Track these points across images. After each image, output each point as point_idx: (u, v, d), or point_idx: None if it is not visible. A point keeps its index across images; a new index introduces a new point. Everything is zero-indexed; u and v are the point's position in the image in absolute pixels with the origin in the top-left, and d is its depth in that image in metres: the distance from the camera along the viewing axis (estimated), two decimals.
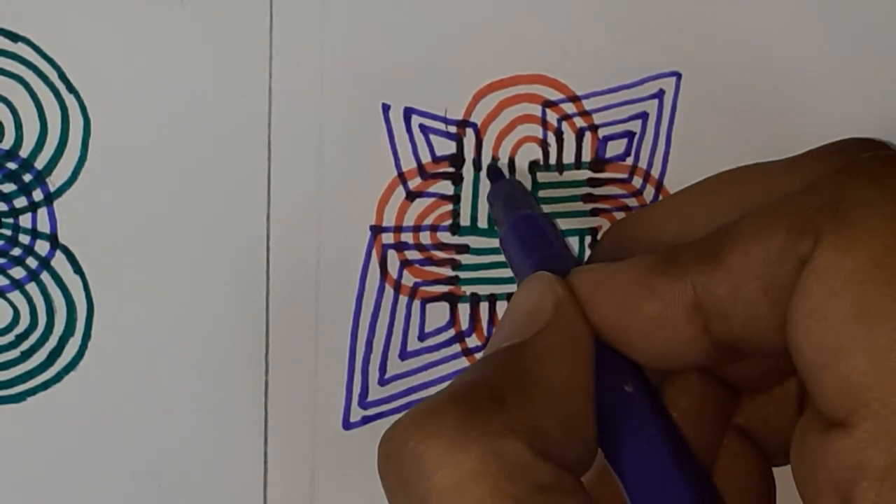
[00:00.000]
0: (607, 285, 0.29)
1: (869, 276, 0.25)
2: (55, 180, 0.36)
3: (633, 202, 0.38)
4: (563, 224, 0.38)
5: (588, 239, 0.38)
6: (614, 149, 0.38)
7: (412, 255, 0.38)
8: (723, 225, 0.28)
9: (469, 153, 0.37)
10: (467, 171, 0.37)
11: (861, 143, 0.31)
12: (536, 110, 0.37)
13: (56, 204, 0.36)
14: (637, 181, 0.38)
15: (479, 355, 0.39)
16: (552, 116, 0.37)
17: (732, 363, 0.30)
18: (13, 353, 0.37)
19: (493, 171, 0.37)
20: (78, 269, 0.37)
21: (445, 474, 0.25)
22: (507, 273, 0.38)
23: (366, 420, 0.38)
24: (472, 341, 0.39)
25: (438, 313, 0.38)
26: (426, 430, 0.26)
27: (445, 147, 0.37)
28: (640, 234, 0.32)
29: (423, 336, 0.38)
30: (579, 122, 0.38)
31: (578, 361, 0.28)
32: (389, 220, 0.37)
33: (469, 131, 0.37)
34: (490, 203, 0.37)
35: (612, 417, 0.29)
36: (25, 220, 0.36)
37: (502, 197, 0.36)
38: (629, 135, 0.38)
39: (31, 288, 0.37)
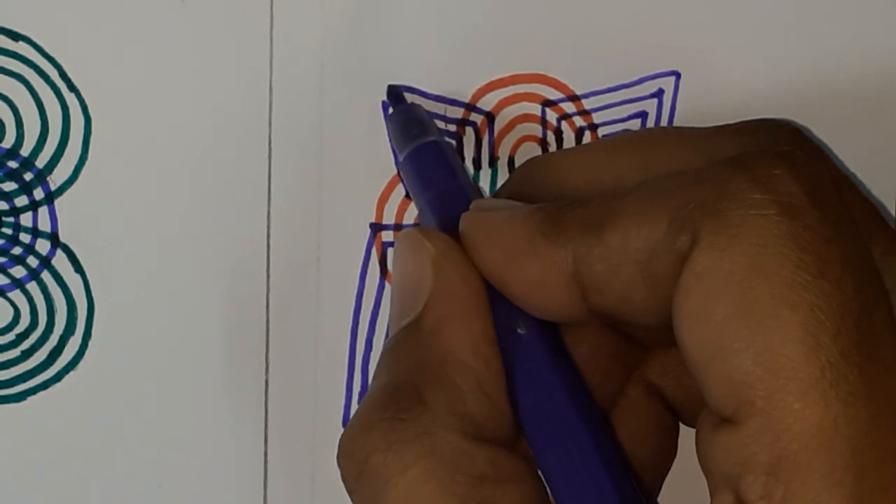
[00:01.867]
0: (494, 236, 0.29)
1: (747, 276, 0.25)
2: (56, 179, 0.36)
3: None
4: None
5: None
6: None
7: None
8: (613, 193, 0.28)
9: (469, 152, 0.37)
10: (467, 169, 0.38)
11: (775, 127, 0.31)
12: (536, 109, 0.37)
13: (57, 203, 0.37)
14: None
15: None
16: (552, 115, 0.38)
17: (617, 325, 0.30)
18: (14, 353, 0.37)
19: (392, 95, 0.36)
20: (78, 269, 0.37)
21: (396, 486, 0.27)
22: None
23: None
24: None
25: None
26: (364, 450, 0.28)
27: None
28: (547, 176, 0.32)
29: None
30: (579, 121, 0.38)
31: (475, 316, 0.29)
32: (389, 218, 0.37)
33: (469, 130, 0.37)
34: (388, 131, 0.36)
35: (510, 362, 0.29)
36: (26, 219, 0.36)
37: (400, 123, 0.35)
38: None
39: (32, 287, 0.37)
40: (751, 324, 0.25)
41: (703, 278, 0.25)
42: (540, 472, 0.29)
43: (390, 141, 0.36)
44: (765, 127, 0.31)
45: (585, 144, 0.35)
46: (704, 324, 0.25)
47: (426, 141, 0.34)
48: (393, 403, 0.28)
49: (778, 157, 0.26)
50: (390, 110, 0.36)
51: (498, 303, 0.29)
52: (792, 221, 0.25)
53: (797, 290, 0.24)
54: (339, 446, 0.28)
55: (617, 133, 0.37)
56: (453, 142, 0.37)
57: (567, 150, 0.36)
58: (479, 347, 0.28)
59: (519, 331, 0.29)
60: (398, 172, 0.35)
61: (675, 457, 0.32)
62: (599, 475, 0.28)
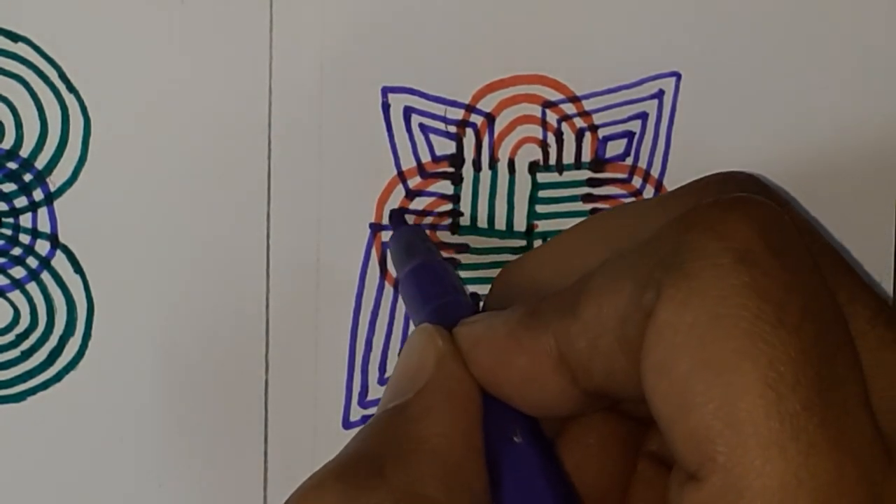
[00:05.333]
0: (483, 340, 0.29)
1: (707, 328, 0.25)
2: (55, 180, 0.36)
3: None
4: (563, 224, 0.38)
5: None
6: (614, 149, 0.38)
7: None
8: (583, 275, 0.28)
9: (469, 153, 0.37)
10: (467, 171, 0.38)
11: (726, 178, 0.31)
12: (536, 111, 0.37)
13: (56, 204, 0.36)
14: (637, 181, 0.38)
15: None
16: (552, 117, 0.37)
17: (616, 405, 0.30)
18: (13, 353, 0.37)
19: (394, 218, 0.37)
20: (78, 269, 0.37)
21: None
22: None
23: (366, 419, 0.38)
24: None
25: None
26: None
27: (445, 147, 0.37)
28: (523, 280, 0.33)
29: None
30: (579, 122, 0.38)
31: (463, 416, 0.29)
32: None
33: (469, 131, 0.37)
34: (390, 251, 0.37)
35: (501, 470, 0.29)
36: (26, 220, 0.36)
37: (401, 245, 0.36)
38: (629, 135, 0.38)
39: (32, 287, 0.37)
40: (711, 377, 0.24)
41: (664, 332, 0.25)
42: None
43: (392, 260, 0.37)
44: (718, 179, 0.31)
45: (550, 241, 0.36)
46: (666, 377, 0.25)
47: (428, 260, 0.35)
48: (352, 470, 0.28)
49: (730, 204, 0.26)
50: (391, 234, 0.37)
51: (495, 412, 0.29)
52: (750, 269, 0.25)
53: (757, 341, 0.24)
54: (290, 500, 0.28)
55: (612, 139, 0.38)
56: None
57: (537, 249, 0.36)
58: (456, 445, 0.28)
59: (515, 439, 0.29)
60: (400, 294, 0.36)
61: None
62: None
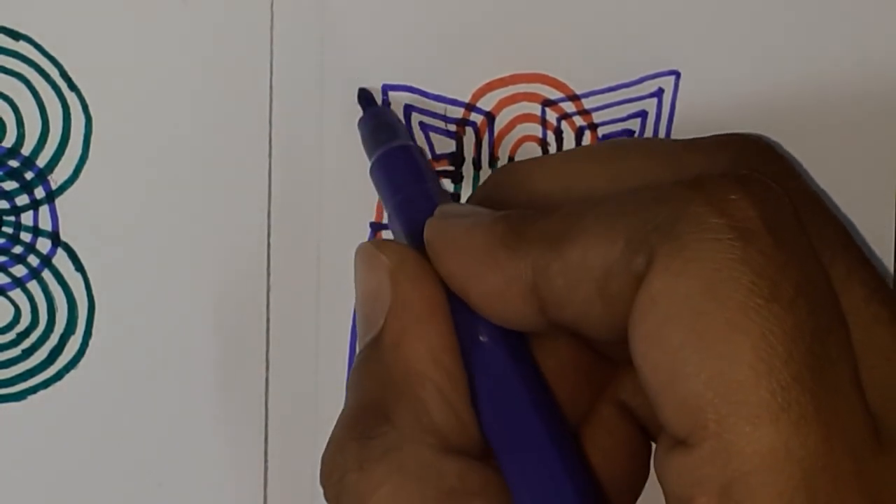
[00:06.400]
0: (456, 245, 0.29)
1: (701, 300, 0.25)
2: (57, 178, 0.37)
3: None
4: None
5: None
6: None
7: None
8: (575, 207, 0.28)
9: (469, 152, 0.37)
10: (467, 169, 0.38)
11: (745, 142, 0.31)
12: (536, 109, 0.37)
13: (57, 202, 0.37)
14: None
15: None
16: (552, 115, 0.38)
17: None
18: (14, 351, 0.37)
19: (364, 97, 0.36)
20: (79, 267, 0.37)
21: None
22: None
23: None
24: None
25: None
26: (339, 471, 0.28)
27: (445, 145, 0.37)
28: (518, 184, 0.32)
29: None
30: (579, 120, 0.38)
31: (436, 328, 0.29)
32: None
33: (469, 130, 0.37)
34: (360, 134, 0.36)
35: (472, 371, 0.29)
36: (27, 218, 0.37)
37: (370, 127, 0.35)
38: (628, 133, 0.38)
39: (33, 286, 0.37)
40: (703, 349, 0.25)
41: (658, 301, 0.25)
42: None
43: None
44: (735, 142, 0.31)
45: (557, 153, 0.35)
46: (658, 347, 0.25)
47: (395, 145, 0.34)
48: (361, 422, 0.28)
49: (736, 182, 0.26)
50: (360, 115, 0.36)
51: (461, 312, 0.29)
52: (746, 246, 0.25)
53: (750, 314, 0.25)
54: (320, 469, 0.29)
55: (611, 137, 0.38)
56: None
57: (539, 157, 0.36)
58: (439, 358, 0.28)
59: (481, 339, 0.29)
60: (371, 178, 0.35)
61: (646, 477, 0.31)
62: (564, 484, 0.28)
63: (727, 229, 0.25)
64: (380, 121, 0.35)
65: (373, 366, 0.29)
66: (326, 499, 0.29)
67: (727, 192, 0.26)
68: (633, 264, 0.26)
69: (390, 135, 0.35)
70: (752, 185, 0.26)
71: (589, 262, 0.27)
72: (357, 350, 0.30)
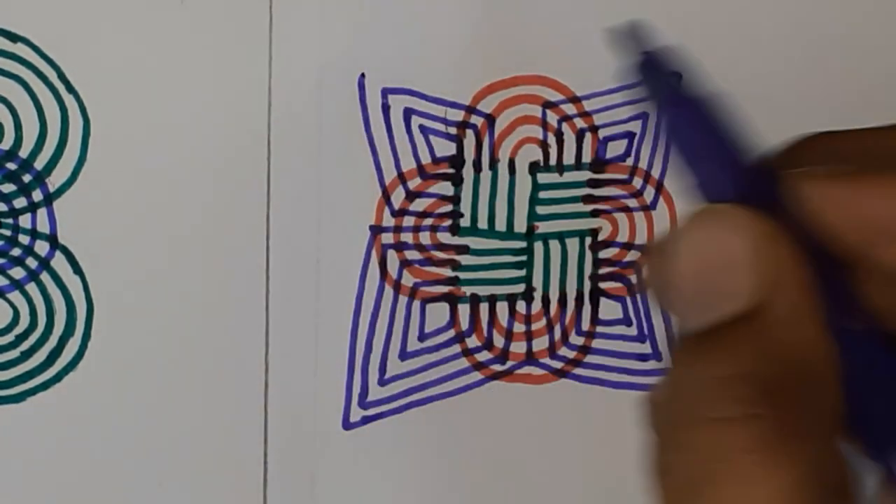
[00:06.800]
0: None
1: None
2: (55, 181, 0.36)
3: (633, 203, 0.38)
4: (563, 225, 0.38)
5: (588, 240, 0.38)
6: (614, 149, 0.38)
7: (412, 255, 0.38)
8: None
9: (469, 154, 0.37)
10: (467, 172, 0.37)
11: None
12: (537, 111, 0.37)
13: (55, 204, 0.36)
14: (637, 182, 0.38)
15: (480, 356, 0.39)
16: (552, 117, 0.37)
17: None
18: (13, 354, 0.37)
19: (635, 34, 0.31)
20: (77, 270, 0.37)
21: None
22: (506, 274, 0.38)
23: (366, 420, 0.38)
24: (472, 342, 0.39)
25: (438, 314, 0.38)
26: (723, 447, 0.24)
27: (445, 148, 0.37)
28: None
29: (422, 336, 0.38)
30: (579, 122, 0.38)
31: (814, 306, 0.25)
32: (389, 221, 0.37)
33: (469, 132, 0.37)
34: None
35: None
36: (25, 221, 0.36)
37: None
38: (629, 135, 0.38)
39: (31, 288, 0.37)
40: None
41: None
42: None
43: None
44: None
45: None
46: None
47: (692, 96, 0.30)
48: (766, 399, 0.24)
49: None
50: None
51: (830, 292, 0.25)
52: None
53: None
54: (661, 422, 0.25)
55: (612, 139, 0.37)
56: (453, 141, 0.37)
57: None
58: (826, 344, 0.25)
59: (852, 327, 0.25)
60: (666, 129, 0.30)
61: None
62: None
63: None
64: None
65: (751, 341, 0.24)
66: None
67: None
68: None
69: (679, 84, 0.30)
70: None
71: None
72: (684, 318, 0.25)
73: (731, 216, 0.25)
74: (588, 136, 0.38)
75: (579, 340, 0.39)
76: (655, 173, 0.38)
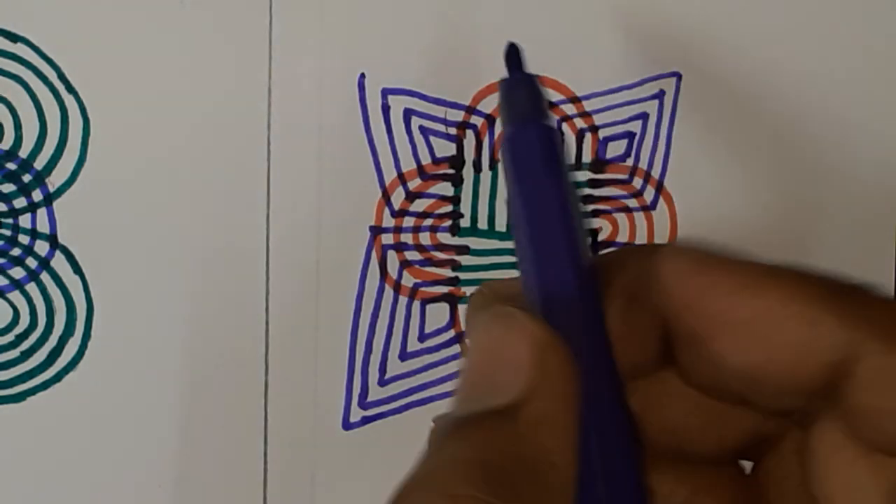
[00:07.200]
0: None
1: None
2: (54, 181, 0.36)
3: (633, 203, 0.38)
4: None
5: (588, 241, 0.38)
6: (615, 149, 0.38)
7: (412, 255, 0.38)
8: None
9: (469, 155, 0.37)
10: (467, 172, 0.37)
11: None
12: None
13: (55, 204, 0.36)
14: (637, 182, 0.38)
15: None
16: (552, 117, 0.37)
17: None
18: (13, 353, 0.37)
19: (513, 56, 0.31)
20: (77, 270, 0.37)
21: None
22: (506, 274, 0.38)
23: (366, 420, 0.38)
24: None
25: (438, 314, 0.38)
26: None
27: (445, 149, 0.37)
28: (685, 291, 0.29)
29: (422, 337, 0.38)
30: (580, 123, 0.37)
31: (571, 424, 0.27)
32: (389, 222, 0.37)
33: (469, 133, 0.37)
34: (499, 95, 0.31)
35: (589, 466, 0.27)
36: (25, 221, 0.36)
37: (513, 95, 0.31)
38: (629, 135, 0.38)
39: (31, 288, 0.37)
40: None
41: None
42: None
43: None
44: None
45: (749, 267, 0.32)
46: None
47: (540, 124, 0.30)
48: (487, 486, 0.25)
49: None
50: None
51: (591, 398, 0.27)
52: None
53: None
54: (410, 486, 0.27)
55: (613, 139, 0.37)
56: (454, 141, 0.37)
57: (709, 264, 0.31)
58: (568, 454, 0.27)
59: (607, 434, 0.27)
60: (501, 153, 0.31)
61: None
62: None
63: None
64: (527, 90, 0.30)
65: (499, 433, 0.26)
66: None
67: None
68: None
69: (536, 111, 0.32)
70: None
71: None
72: (457, 403, 0.28)
73: (517, 321, 0.27)
74: (588, 136, 0.38)
75: None
76: (655, 173, 0.38)
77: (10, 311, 0.37)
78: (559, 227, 0.29)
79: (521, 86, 0.31)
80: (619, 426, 0.28)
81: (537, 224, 0.29)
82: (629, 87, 0.38)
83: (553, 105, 0.37)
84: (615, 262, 0.30)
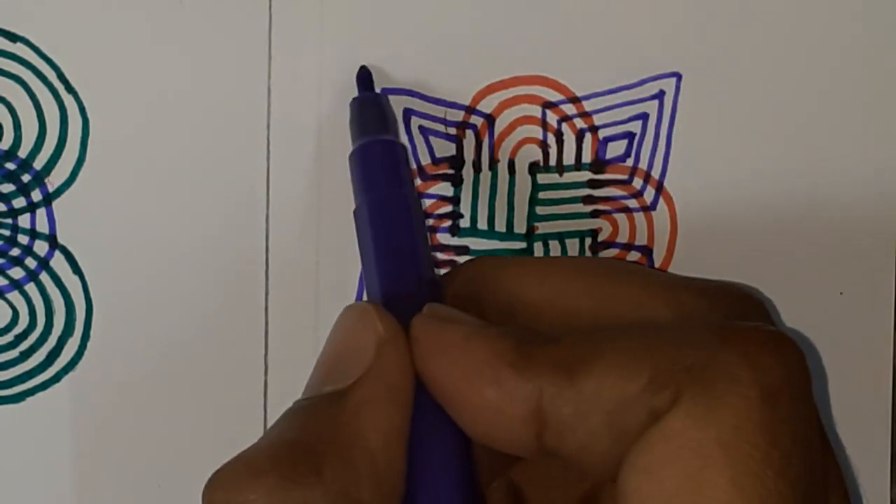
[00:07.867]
0: (453, 352, 0.28)
1: (714, 451, 0.25)
2: (54, 181, 0.36)
3: (633, 203, 0.38)
4: (563, 226, 0.38)
5: (588, 241, 0.38)
6: (614, 150, 0.38)
7: None
8: (588, 334, 0.27)
9: (469, 155, 0.37)
10: (467, 172, 0.37)
11: (742, 296, 0.31)
12: (536, 111, 0.37)
13: (55, 204, 0.36)
14: (637, 182, 0.38)
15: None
16: (552, 117, 0.37)
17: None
18: (12, 354, 0.37)
19: (362, 79, 0.36)
20: (77, 270, 0.37)
21: None
22: None
23: None
24: None
25: None
26: (243, 494, 0.27)
27: (445, 149, 0.37)
28: (500, 284, 0.31)
29: None
30: (579, 123, 0.37)
31: (399, 412, 0.28)
32: None
33: (469, 133, 0.37)
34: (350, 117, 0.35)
35: (416, 474, 0.28)
36: (24, 221, 0.36)
37: (361, 112, 0.35)
38: (629, 136, 0.38)
39: (30, 288, 0.37)
40: (700, 500, 0.24)
41: (670, 441, 0.25)
42: None
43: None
44: (732, 294, 0.31)
45: (544, 259, 0.35)
46: (654, 484, 0.25)
47: (382, 138, 0.34)
48: (289, 462, 0.27)
49: (770, 338, 0.26)
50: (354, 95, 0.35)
51: (424, 410, 0.29)
52: (771, 411, 0.25)
53: (756, 482, 0.24)
54: (214, 478, 0.28)
55: (613, 139, 0.37)
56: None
57: (523, 259, 0.35)
58: (391, 442, 0.28)
59: (438, 451, 0.29)
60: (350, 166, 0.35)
61: None
62: None
63: (756, 387, 0.25)
64: (374, 107, 0.35)
65: (320, 416, 0.28)
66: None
67: (763, 347, 0.26)
68: (655, 401, 0.25)
69: (380, 126, 0.35)
70: (785, 345, 0.26)
71: (605, 393, 0.26)
72: (305, 389, 0.30)
73: (367, 314, 0.29)
74: (588, 137, 0.38)
75: None
76: (655, 174, 0.38)
77: (10, 311, 0.37)
78: (403, 232, 0.31)
79: (369, 104, 0.35)
80: (452, 435, 0.29)
81: (381, 230, 0.32)
82: (629, 87, 0.38)
83: (553, 105, 0.37)
84: (453, 271, 0.33)
